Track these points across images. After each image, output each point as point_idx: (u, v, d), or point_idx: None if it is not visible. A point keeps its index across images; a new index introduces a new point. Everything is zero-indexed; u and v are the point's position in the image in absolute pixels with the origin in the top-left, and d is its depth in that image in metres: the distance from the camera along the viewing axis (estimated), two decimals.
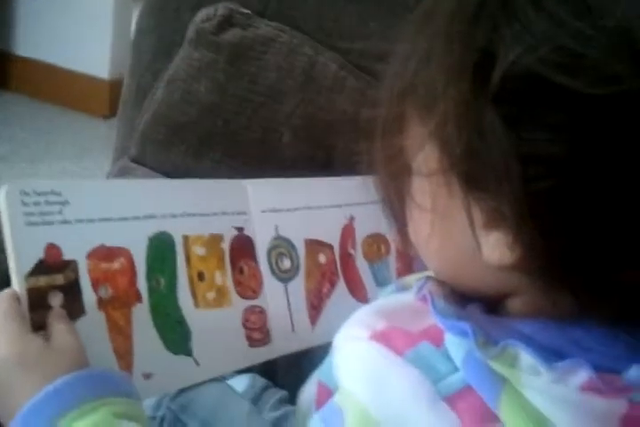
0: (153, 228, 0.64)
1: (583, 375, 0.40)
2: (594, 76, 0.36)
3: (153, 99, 0.97)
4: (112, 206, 0.62)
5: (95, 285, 0.59)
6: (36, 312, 0.55)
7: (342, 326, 0.50)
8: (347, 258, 0.77)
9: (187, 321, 0.64)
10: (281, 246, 0.73)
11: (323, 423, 0.49)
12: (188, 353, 0.63)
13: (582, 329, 0.43)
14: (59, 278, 0.57)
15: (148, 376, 0.61)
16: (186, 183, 0.71)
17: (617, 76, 0.36)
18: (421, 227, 0.48)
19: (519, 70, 0.37)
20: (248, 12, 0.93)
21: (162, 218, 0.64)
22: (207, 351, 0.64)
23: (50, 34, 2.46)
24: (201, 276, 0.66)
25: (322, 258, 0.75)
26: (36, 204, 0.57)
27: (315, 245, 0.75)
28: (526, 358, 0.41)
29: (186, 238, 0.66)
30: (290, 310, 0.71)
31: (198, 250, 0.66)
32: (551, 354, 0.41)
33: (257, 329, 0.68)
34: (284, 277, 0.72)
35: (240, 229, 0.70)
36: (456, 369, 0.43)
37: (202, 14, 0.93)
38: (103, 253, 0.60)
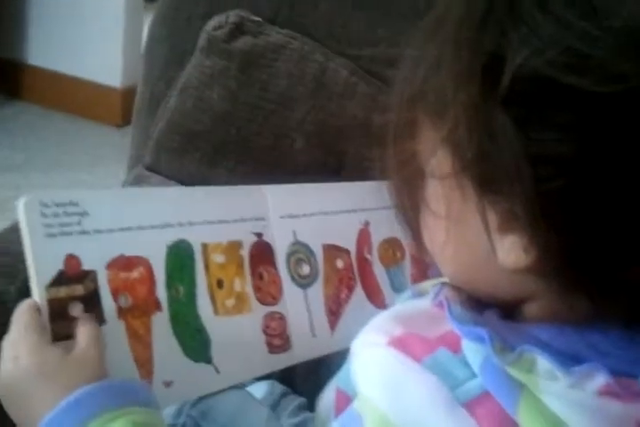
0: (172, 236, 0.64)
1: (600, 380, 0.40)
2: (601, 75, 0.36)
3: (166, 107, 0.98)
4: (130, 216, 0.62)
5: (115, 294, 0.59)
6: (57, 323, 0.56)
7: (360, 333, 0.51)
8: (363, 263, 0.77)
9: (206, 329, 0.64)
10: (299, 252, 0.73)
11: None
12: (208, 361, 0.64)
13: (599, 333, 0.43)
14: (78, 289, 0.57)
15: (168, 384, 0.61)
16: (204, 190, 0.71)
17: (624, 75, 0.36)
18: (436, 233, 0.48)
19: (527, 72, 0.38)
20: (259, 19, 0.94)
21: (180, 226, 0.65)
22: (227, 359, 0.65)
23: (62, 43, 2.47)
24: (220, 283, 0.66)
25: (339, 263, 0.75)
26: (55, 215, 0.57)
27: (332, 251, 0.75)
28: (543, 363, 0.41)
29: (205, 246, 0.66)
30: (309, 315, 0.71)
31: (217, 257, 0.66)
32: (568, 359, 0.41)
33: (277, 335, 0.69)
34: (303, 282, 0.72)
35: (259, 235, 0.70)
36: (474, 375, 0.43)
37: (213, 22, 0.94)
38: (122, 263, 0.60)
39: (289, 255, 0.72)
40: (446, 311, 0.45)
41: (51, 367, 0.52)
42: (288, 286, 0.71)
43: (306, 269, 0.73)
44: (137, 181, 0.99)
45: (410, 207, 0.50)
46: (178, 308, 0.63)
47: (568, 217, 0.39)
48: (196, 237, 0.65)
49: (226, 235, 0.68)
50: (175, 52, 1.01)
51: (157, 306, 0.62)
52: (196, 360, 0.63)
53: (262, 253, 0.70)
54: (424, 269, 0.80)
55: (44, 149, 2.30)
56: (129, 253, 0.61)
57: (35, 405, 0.51)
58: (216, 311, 0.65)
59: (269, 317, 0.69)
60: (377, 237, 0.78)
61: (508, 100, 0.38)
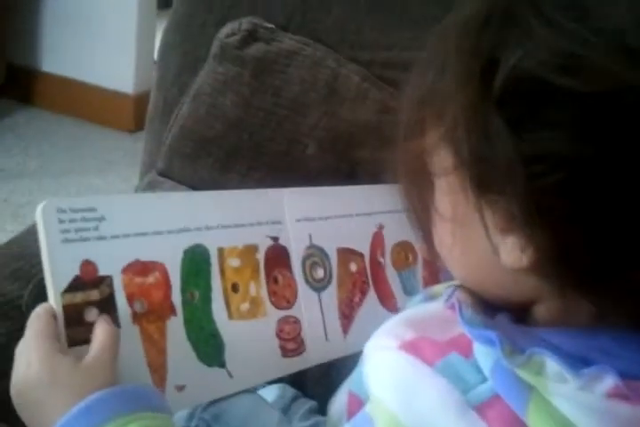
0: (188, 241, 0.64)
1: (609, 382, 0.40)
2: (590, 75, 0.37)
3: (179, 113, 0.98)
4: (147, 221, 0.62)
5: (130, 299, 0.60)
6: (73, 328, 0.56)
7: (372, 336, 0.51)
8: (376, 267, 0.77)
9: (220, 333, 0.64)
10: (315, 255, 0.73)
11: None
12: (222, 365, 0.64)
13: (607, 336, 0.43)
14: (94, 294, 0.58)
15: (180, 388, 0.61)
16: (220, 195, 0.71)
17: (612, 74, 0.37)
18: (444, 236, 0.49)
19: (520, 73, 0.39)
20: (272, 26, 0.94)
21: (196, 231, 0.65)
22: (240, 363, 0.65)
23: (74, 50, 2.48)
24: (235, 287, 0.66)
25: (353, 267, 0.75)
26: (72, 221, 0.58)
27: (346, 254, 0.75)
28: (552, 365, 0.41)
29: (221, 251, 0.66)
30: (323, 319, 0.72)
31: (233, 262, 0.67)
32: (577, 361, 0.41)
33: (291, 339, 0.69)
34: (318, 286, 0.72)
35: (275, 239, 0.70)
36: (484, 380, 0.44)
37: (226, 29, 0.94)
38: (138, 268, 0.61)
39: (304, 259, 0.72)
40: (457, 314, 0.46)
41: (62, 375, 0.52)
42: (303, 290, 0.71)
43: (320, 273, 0.73)
44: (150, 187, 1.00)
45: (420, 210, 0.50)
46: (193, 312, 0.63)
47: (563, 216, 0.40)
48: (211, 242, 0.66)
49: (242, 239, 0.68)
50: (188, 58, 1.01)
51: (172, 311, 0.62)
52: (210, 365, 0.63)
53: (278, 257, 0.70)
54: (436, 272, 0.80)
55: (57, 155, 2.32)
56: (145, 258, 0.61)
57: (46, 411, 0.52)
58: (230, 316, 0.65)
59: (284, 320, 0.69)
60: (390, 241, 0.79)
61: (501, 101, 0.40)
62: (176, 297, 0.62)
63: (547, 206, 0.40)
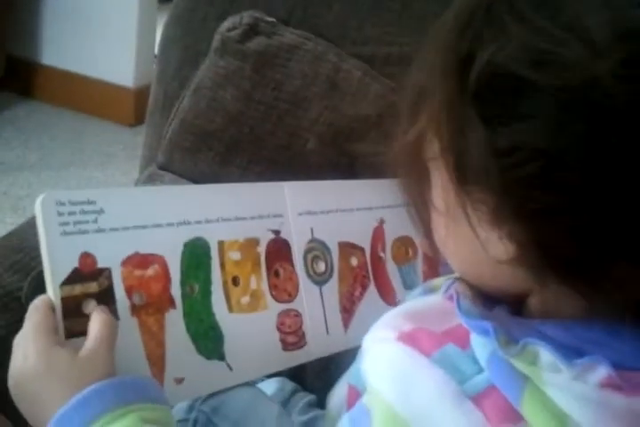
0: (188, 234, 0.64)
1: (602, 372, 0.41)
2: (559, 69, 0.38)
3: (180, 107, 0.98)
4: (147, 214, 0.62)
5: (129, 292, 0.60)
6: (70, 320, 0.56)
7: (371, 329, 0.52)
8: (377, 261, 0.77)
9: (220, 326, 0.65)
10: (316, 249, 0.73)
11: (351, 423, 0.50)
12: (221, 358, 0.64)
13: (601, 327, 0.43)
14: (93, 286, 0.58)
15: (179, 381, 0.61)
16: (221, 188, 0.71)
17: (579, 68, 0.38)
18: (439, 229, 0.50)
19: (493, 69, 0.40)
20: (273, 20, 0.94)
21: (197, 224, 0.65)
22: (240, 356, 0.65)
23: (75, 43, 2.48)
24: (235, 280, 0.67)
25: (354, 261, 0.76)
26: (71, 213, 0.58)
27: (347, 248, 0.75)
28: (546, 355, 0.42)
29: (221, 244, 0.66)
30: (324, 313, 0.72)
31: (233, 255, 0.67)
32: (571, 352, 0.42)
33: (292, 333, 0.69)
34: (319, 280, 0.73)
35: (277, 233, 0.70)
36: (481, 370, 0.44)
37: (227, 23, 0.94)
38: (137, 261, 0.61)
39: (306, 252, 0.72)
40: (455, 305, 0.46)
41: (59, 368, 0.53)
42: (304, 284, 0.71)
43: (322, 267, 0.73)
44: (150, 180, 1.00)
45: (420, 204, 0.51)
46: (192, 305, 0.63)
47: (539, 208, 0.40)
48: (212, 235, 0.66)
49: (242, 232, 0.68)
50: (189, 52, 1.01)
51: (171, 303, 0.62)
52: (209, 357, 0.64)
53: (279, 251, 0.70)
54: (436, 267, 0.80)
55: (57, 148, 2.32)
56: (144, 250, 0.61)
57: (44, 403, 0.52)
58: (231, 309, 0.66)
59: (285, 314, 0.69)
60: (390, 236, 0.79)
61: (477, 95, 0.41)
62: (175, 290, 0.63)
63: (522, 198, 0.41)
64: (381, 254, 0.78)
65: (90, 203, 0.59)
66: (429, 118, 0.45)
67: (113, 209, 0.60)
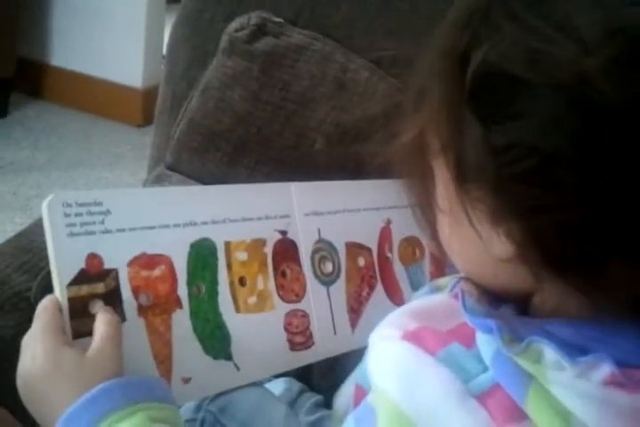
0: (195, 234, 0.64)
1: (606, 370, 0.41)
2: (550, 68, 0.38)
3: (188, 107, 0.98)
4: (154, 214, 0.62)
5: (136, 292, 0.60)
6: (77, 321, 0.56)
7: (376, 327, 0.52)
8: (384, 261, 0.77)
9: (227, 326, 0.65)
10: (323, 249, 0.73)
11: (356, 422, 0.50)
12: (228, 358, 0.64)
13: (605, 325, 0.43)
14: (100, 287, 0.58)
15: (186, 381, 0.62)
16: (228, 188, 0.71)
17: (569, 67, 0.38)
18: (443, 228, 0.50)
19: (488, 67, 0.40)
20: (281, 20, 0.94)
21: (203, 224, 0.65)
22: (247, 356, 0.65)
23: (83, 44, 2.49)
24: (242, 281, 0.67)
25: (361, 261, 0.76)
26: (78, 214, 0.58)
27: (355, 249, 0.75)
28: (550, 353, 0.42)
29: (228, 244, 0.66)
30: (332, 313, 0.72)
31: (240, 255, 0.67)
32: (575, 350, 0.42)
33: (299, 333, 0.69)
34: (327, 280, 0.73)
35: (284, 233, 0.71)
36: (485, 369, 0.44)
37: (235, 24, 0.94)
38: (144, 261, 0.61)
39: (313, 253, 0.72)
40: (460, 303, 0.46)
41: (66, 368, 0.53)
42: (312, 284, 0.71)
43: (329, 267, 0.73)
44: (158, 181, 1.00)
45: (426, 205, 0.51)
46: (199, 305, 0.63)
47: (534, 206, 0.40)
48: (218, 235, 0.66)
49: (249, 233, 0.68)
50: (197, 52, 1.01)
51: (178, 304, 0.62)
52: (216, 357, 0.64)
53: (286, 251, 0.70)
54: (442, 267, 0.80)
55: (66, 149, 2.33)
56: (151, 251, 0.61)
57: (52, 403, 0.52)
58: (237, 309, 0.66)
59: (292, 314, 0.69)
60: (397, 236, 0.79)
61: (472, 94, 0.41)
62: (182, 290, 0.63)
63: (518, 196, 0.41)
64: (388, 255, 0.78)
65: (97, 204, 0.59)
66: (429, 117, 0.46)
67: (119, 210, 0.60)
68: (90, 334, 0.56)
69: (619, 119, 0.37)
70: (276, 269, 0.69)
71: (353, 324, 0.73)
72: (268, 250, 0.69)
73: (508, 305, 0.48)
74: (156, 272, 0.62)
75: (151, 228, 0.62)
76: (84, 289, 0.57)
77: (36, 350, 0.54)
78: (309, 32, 0.94)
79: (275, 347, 0.67)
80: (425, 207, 0.52)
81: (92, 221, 0.59)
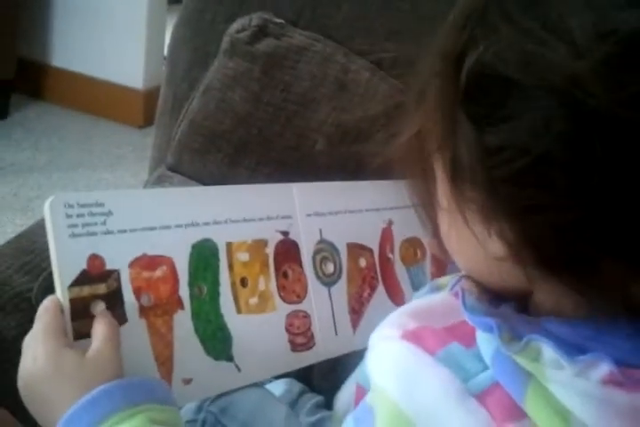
0: (196, 235, 0.64)
1: (604, 369, 0.41)
2: (541, 70, 0.39)
3: (189, 108, 0.98)
4: (155, 215, 0.62)
5: (137, 293, 0.60)
6: (79, 322, 0.56)
7: (377, 327, 0.52)
8: (386, 262, 0.77)
9: (228, 327, 0.65)
10: (325, 250, 0.73)
11: (355, 422, 0.50)
12: (229, 359, 0.64)
13: (603, 325, 0.43)
14: (101, 288, 0.58)
15: (187, 382, 0.62)
16: (229, 189, 0.71)
17: (561, 70, 0.38)
18: (443, 226, 0.50)
19: (481, 69, 0.40)
20: (282, 21, 0.94)
21: (205, 225, 0.65)
22: (249, 357, 0.65)
23: (84, 45, 2.49)
24: (244, 281, 0.67)
25: (362, 262, 0.76)
26: (80, 215, 0.58)
27: (356, 249, 0.75)
28: (549, 351, 0.42)
29: (229, 245, 0.66)
30: (333, 314, 0.72)
31: (241, 256, 0.67)
32: (573, 349, 0.42)
33: (301, 334, 0.69)
34: (328, 281, 0.73)
35: (285, 234, 0.71)
36: (485, 368, 0.44)
37: (236, 25, 0.94)
38: (145, 262, 0.61)
39: (315, 253, 0.72)
40: (460, 301, 0.46)
41: (67, 370, 0.53)
42: (313, 285, 0.71)
43: (330, 268, 0.73)
44: (159, 182, 1.00)
45: (428, 204, 0.51)
46: (200, 306, 0.63)
47: (525, 206, 0.41)
48: (220, 236, 0.66)
49: (251, 233, 0.68)
50: (198, 53, 1.02)
51: (180, 305, 0.62)
52: (217, 358, 0.64)
53: (288, 252, 0.70)
54: (444, 268, 0.80)
55: (67, 150, 2.33)
56: (152, 252, 0.62)
57: (53, 404, 0.53)
58: (239, 310, 0.66)
59: (293, 315, 0.69)
60: (399, 237, 0.79)
61: (467, 94, 0.41)
62: (184, 291, 0.63)
63: (509, 196, 0.41)
64: (390, 255, 0.78)
65: (98, 205, 0.59)
66: (427, 117, 0.46)
67: (121, 211, 0.60)
68: (90, 335, 0.56)
69: (609, 122, 0.37)
70: (277, 269, 0.69)
71: (354, 325, 0.73)
72: (270, 251, 0.69)
73: (508, 304, 0.48)
74: (158, 273, 0.62)
75: (152, 229, 0.62)
76: (86, 290, 0.57)
77: (38, 351, 0.54)
78: (310, 33, 0.94)
79: (276, 348, 0.67)
80: (427, 207, 0.52)
81: (93, 222, 0.59)
